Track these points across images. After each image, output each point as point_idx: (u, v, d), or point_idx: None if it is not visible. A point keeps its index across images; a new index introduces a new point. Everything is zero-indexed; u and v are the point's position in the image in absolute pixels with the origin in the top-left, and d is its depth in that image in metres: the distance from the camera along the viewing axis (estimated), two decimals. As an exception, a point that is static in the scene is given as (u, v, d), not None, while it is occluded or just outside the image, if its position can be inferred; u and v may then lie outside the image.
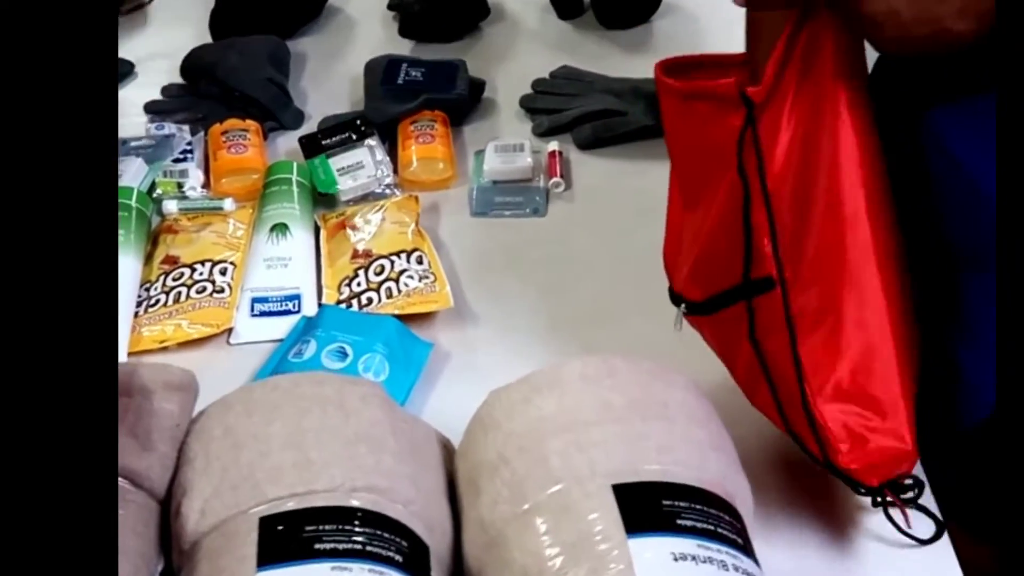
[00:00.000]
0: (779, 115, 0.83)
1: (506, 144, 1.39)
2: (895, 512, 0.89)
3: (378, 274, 1.26)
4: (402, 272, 1.25)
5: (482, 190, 1.36)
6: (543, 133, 1.43)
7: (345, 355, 1.13)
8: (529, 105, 1.48)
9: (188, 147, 1.41)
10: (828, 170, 0.85)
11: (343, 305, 1.23)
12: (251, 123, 1.44)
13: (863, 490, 0.89)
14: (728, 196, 0.85)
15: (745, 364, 0.91)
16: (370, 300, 1.23)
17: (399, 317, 1.19)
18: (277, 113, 1.47)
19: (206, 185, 1.39)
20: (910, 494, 0.89)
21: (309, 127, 1.48)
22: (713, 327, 0.95)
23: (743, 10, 0.88)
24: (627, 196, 1.35)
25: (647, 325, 1.07)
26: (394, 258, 1.27)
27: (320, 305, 1.23)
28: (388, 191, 1.36)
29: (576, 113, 1.44)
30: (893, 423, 0.87)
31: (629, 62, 1.55)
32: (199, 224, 1.32)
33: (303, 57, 1.61)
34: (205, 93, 1.50)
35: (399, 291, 1.23)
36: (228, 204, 1.35)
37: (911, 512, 0.89)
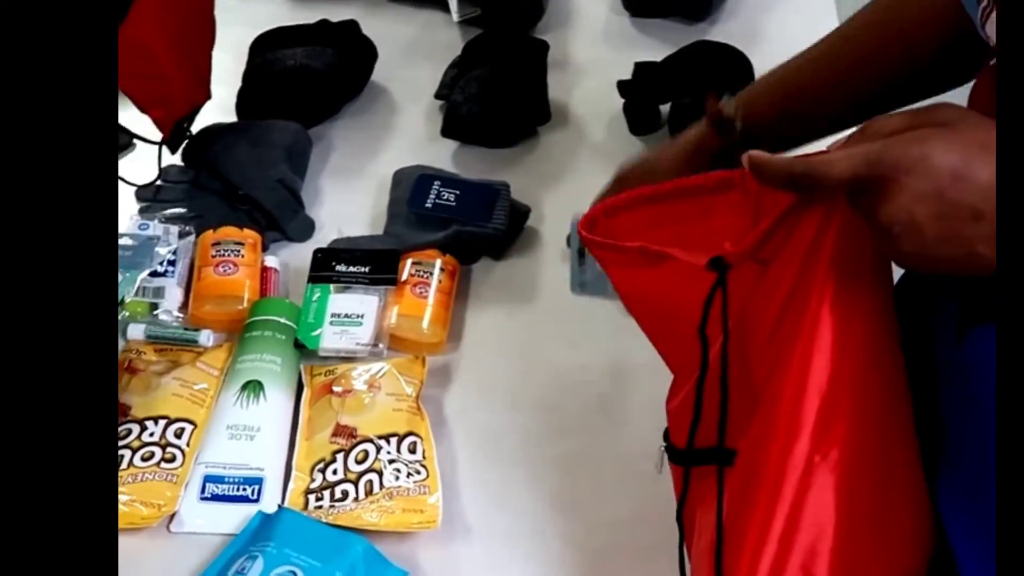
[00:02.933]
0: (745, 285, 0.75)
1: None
2: None
3: (360, 462, 1.04)
4: (390, 463, 1.04)
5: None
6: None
7: (294, 585, 0.92)
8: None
9: (172, 256, 1.20)
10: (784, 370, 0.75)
11: (312, 499, 1.02)
12: (249, 234, 1.23)
13: None
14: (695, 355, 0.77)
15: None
16: (345, 494, 1.03)
17: (374, 534, 0.98)
18: (282, 223, 1.26)
19: (184, 307, 1.18)
20: None
21: (318, 239, 1.26)
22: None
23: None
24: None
25: None
26: (382, 442, 1.05)
27: (280, 506, 1.01)
28: (374, 348, 1.14)
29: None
30: None
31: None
32: (165, 363, 1.12)
33: (327, 147, 1.39)
34: (206, 185, 1.29)
35: (381, 487, 1.02)
36: (204, 338, 1.15)
37: None
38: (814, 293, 0.74)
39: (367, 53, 1.45)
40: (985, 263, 0.66)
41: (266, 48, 1.41)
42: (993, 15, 0.75)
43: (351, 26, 1.46)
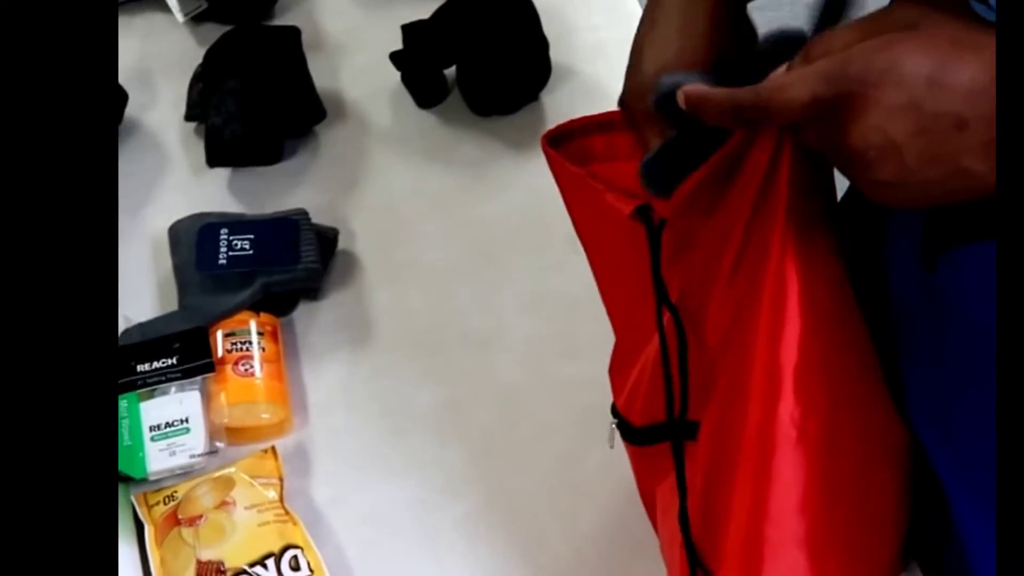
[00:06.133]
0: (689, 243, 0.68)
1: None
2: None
3: (240, 601, 0.88)
4: (274, 591, 0.87)
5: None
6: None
7: None
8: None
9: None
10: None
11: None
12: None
13: None
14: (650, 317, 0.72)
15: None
16: (232, 648, 0.86)
17: None
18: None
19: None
20: None
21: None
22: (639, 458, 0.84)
23: None
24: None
25: None
26: (259, 570, 0.88)
27: None
28: (211, 453, 0.97)
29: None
30: None
31: (519, 163, 1.18)
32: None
33: (80, 213, 1.17)
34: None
35: (272, 623, 0.86)
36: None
37: None
38: (773, 247, 0.65)
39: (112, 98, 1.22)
40: (973, 179, 0.55)
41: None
42: None
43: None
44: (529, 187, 1.16)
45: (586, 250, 0.80)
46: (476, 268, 1.10)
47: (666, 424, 0.75)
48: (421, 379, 1.03)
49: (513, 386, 1.01)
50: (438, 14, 1.23)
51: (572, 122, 0.76)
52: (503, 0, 1.22)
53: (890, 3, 0.61)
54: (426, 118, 1.24)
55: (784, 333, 0.66)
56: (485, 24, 1.20)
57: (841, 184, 0.65)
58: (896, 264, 0.74)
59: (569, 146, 0.76)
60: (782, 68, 0.61)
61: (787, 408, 0.67)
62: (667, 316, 0.71)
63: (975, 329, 0.65)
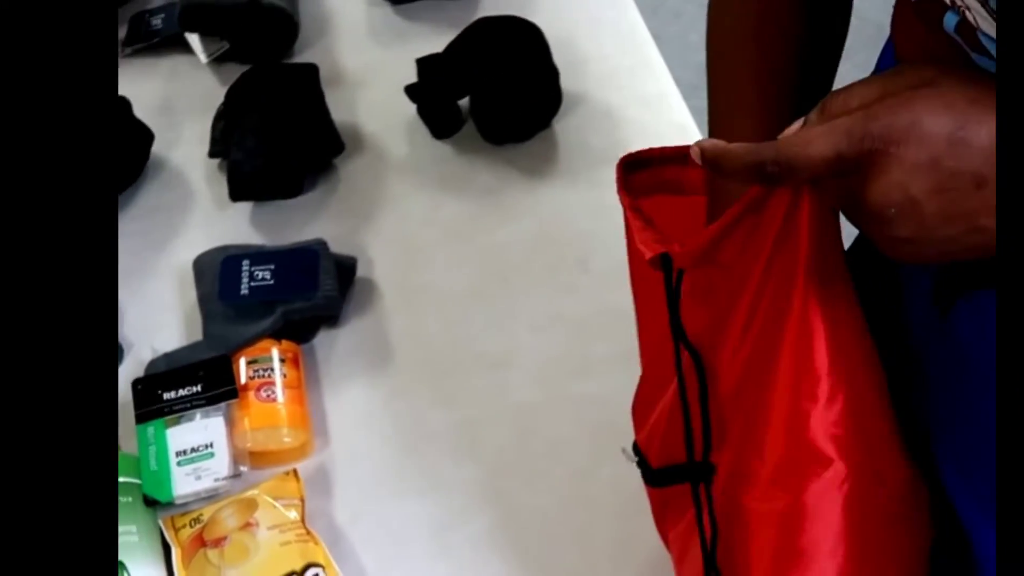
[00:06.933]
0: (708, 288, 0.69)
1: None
2: None
3: (263, 621, 0.90)
4: (296, 610, 0.90)
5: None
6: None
7: None
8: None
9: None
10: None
11: None
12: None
13: None
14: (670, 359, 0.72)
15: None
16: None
17: None
18: (85, 357, 1.08)
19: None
20: None
21: (130, 365, 1.10)
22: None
23: None
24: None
25: None
26: (281, 588, 0.91)
27: None
28: (235, 477, 1.00)
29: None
30: None
31: (531, 189, 1.21)
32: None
33: (109, 249, 1.21)
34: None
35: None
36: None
37: None
38: (795, 295, 0.66)
39: (138, 137, 1.27)
40: (990, 237, 0.56)
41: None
42: None
43: (120, 106, 1.27)
44: (541, 213, 1.19)
45: (631, 277, 0.81)
46: (490, 292, 1.13)
47: (685, 466, 0.74)
48: (437, 400, 1.05)
49: (527, 405, 1.04)
50: (451, 47, 1.27)
51: (653, 150, 0.76)
52: (514, 32, 1.25)
53: (901, 63, 0.62)
54: (441, 148, 1.27)
55: (811, 380, 0.67)
56: (497, 55, 1.24)
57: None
58: (911, 312, 0.75)
59: (643, 173, 0.77)
60: (797, 124, 0.62)
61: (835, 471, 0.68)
62: (686, 357, 0.71)
63: (990, 373, 0.64)
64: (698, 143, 0.64)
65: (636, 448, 0.82)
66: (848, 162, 0.58)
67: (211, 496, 0.99)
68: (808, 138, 0.59)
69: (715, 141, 0.63)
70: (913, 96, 0.57)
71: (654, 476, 0.80)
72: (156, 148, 1.28)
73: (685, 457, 0.73)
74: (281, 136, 1.20)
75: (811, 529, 0.70)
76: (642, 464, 0.81)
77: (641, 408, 0.84)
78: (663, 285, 0.69)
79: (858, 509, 0.70)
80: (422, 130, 1.28)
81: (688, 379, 0.72)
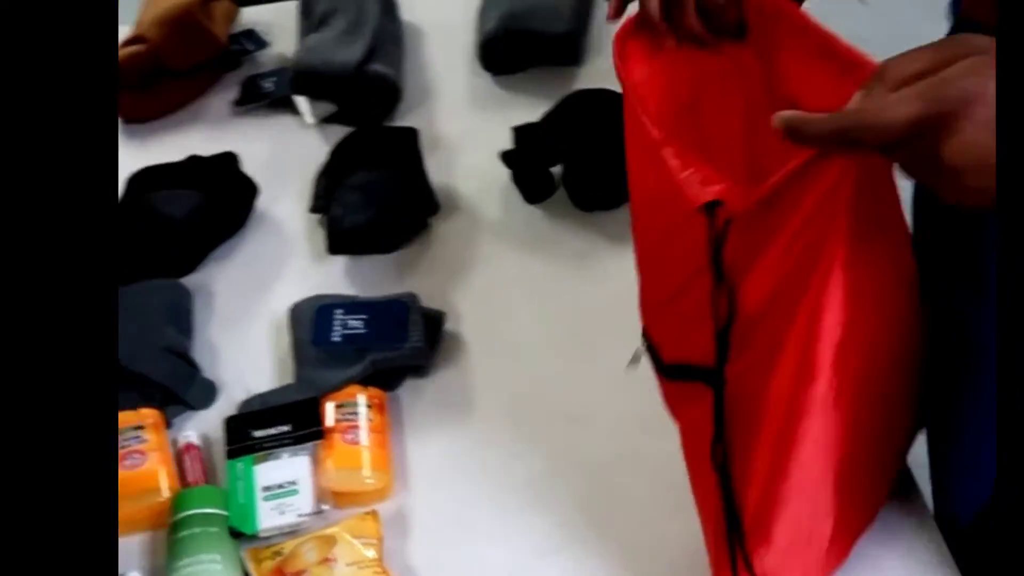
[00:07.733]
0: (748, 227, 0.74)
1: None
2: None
3: (337, 653, 0.93)
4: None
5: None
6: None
7: None
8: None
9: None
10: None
11: None
12: (146, 413, 1.10)
13: None
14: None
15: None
16: None
17: None
18: (180, 393, 1.14)
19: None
20: None
21: (224, 404, 1.14)
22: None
23: None
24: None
25: None
26: (355, 623, 0.94)
27: None
28: (317, 514, 1.03)
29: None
30: None
31: (618, 254, 1.24)
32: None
33: (208, 294, 1.26)
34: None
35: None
36: None
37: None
38: (827, 248, 0.74)
39: (244, 190, 1.33)
40: None
41: (135, 191, 1.29)
42: None
43: (226, 161, 1.34)
44: (626, 277, 1.21)
45: (629, 175, 0.90)
46: (572, 350, 1.16)
47: (702, 370, 0.82)
48: (516, 452, 1.08)
49: (603, 459, 1.06)
50: (547, 117, 1.32)
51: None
52: (607, 104, 1.30)
53: (952, 34, 0.71)
54: (533, 212, 1.31)
55: (822, 331, 0.76)
56: (590, 126, 1.28)
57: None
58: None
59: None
60: (859, 94, 0.69)
61: (822, 385, 0.78)
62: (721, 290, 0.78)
63: None
64: (779, 114, 0.70)
65: (646, 334, 0.92)
66: (924, 124, 0.65)
67: (293, 531, 1.02)
68: (886, 105, 0.66)
69: (796, 112, 0.70)
70: (977, 63, 0.65)
71: (665, 369, 0.90)
72: (260, 201, 1.35)
73: (700, 361, 0.82)
74: (380, 195, 1.25)
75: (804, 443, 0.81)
76: (651, 351, 0.91)
77: (649, 307, 0.93)
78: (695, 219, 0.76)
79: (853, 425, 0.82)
80: (515, 195, 1.32)
81: (719, 309, 0.78)
